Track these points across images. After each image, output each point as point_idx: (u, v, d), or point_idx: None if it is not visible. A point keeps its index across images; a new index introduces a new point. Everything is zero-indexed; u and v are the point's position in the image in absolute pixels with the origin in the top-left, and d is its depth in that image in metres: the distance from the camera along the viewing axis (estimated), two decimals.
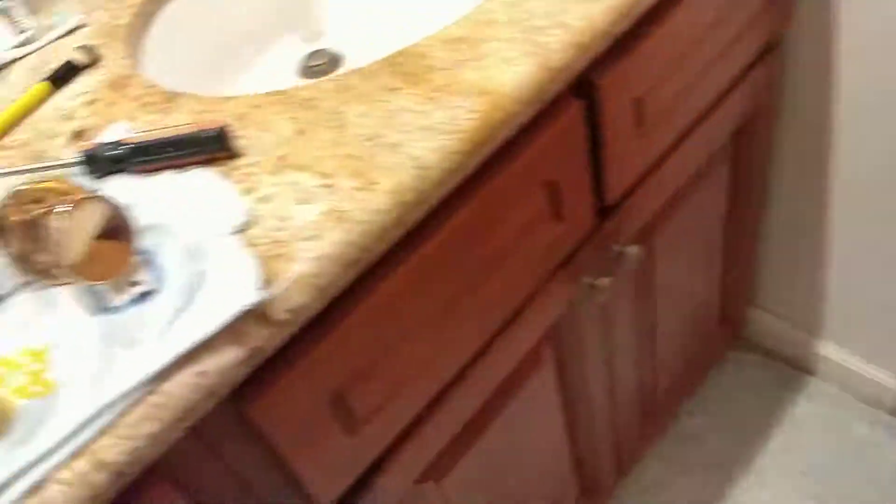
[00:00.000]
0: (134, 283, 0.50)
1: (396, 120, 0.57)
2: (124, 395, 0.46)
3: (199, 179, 0.57)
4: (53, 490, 0.43)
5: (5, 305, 0.52)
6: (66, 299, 0.51)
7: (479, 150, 0.57)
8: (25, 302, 0.52)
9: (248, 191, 0.56)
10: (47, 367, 0.48)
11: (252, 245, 0.52)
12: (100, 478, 0.44)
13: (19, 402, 0.46)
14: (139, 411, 0.46)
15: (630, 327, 0.97)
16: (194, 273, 0.50)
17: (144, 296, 0.49)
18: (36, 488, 0.43)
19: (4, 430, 0.45)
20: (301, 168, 0.56)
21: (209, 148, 0.58)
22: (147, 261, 0.51)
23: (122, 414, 0.45)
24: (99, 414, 0.45)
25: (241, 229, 0.53)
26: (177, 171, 0.58)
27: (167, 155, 0.57)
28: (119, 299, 0.50)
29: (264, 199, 0.55)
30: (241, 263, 0.50)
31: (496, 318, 0.70)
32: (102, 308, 0.50)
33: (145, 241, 0.51)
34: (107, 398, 0.45)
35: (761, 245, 1.23)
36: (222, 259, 0.51)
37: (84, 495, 0.44)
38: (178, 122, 0.61)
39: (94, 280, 0.49)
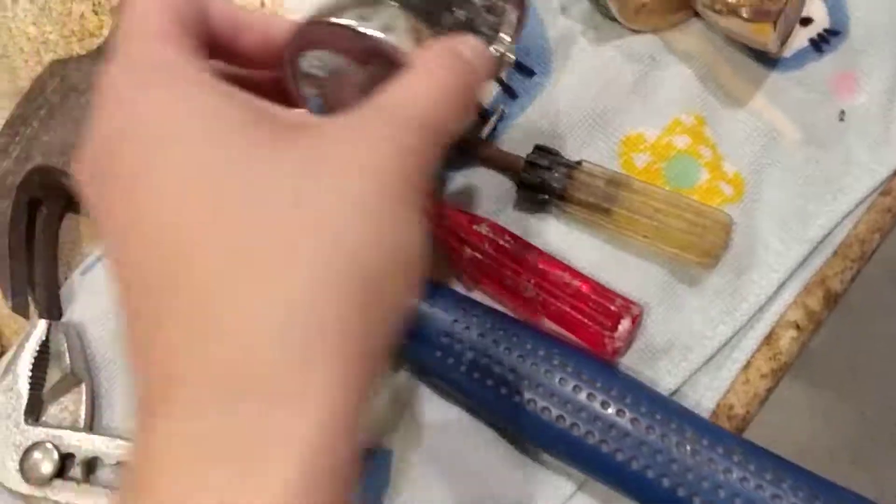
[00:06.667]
0: (804, 21, 0.31)
1: None
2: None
3: None
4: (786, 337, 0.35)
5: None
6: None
7: None
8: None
9: None
10: (719, 153, 0.34)
11: None
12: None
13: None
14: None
15: None
16: None
17: (822, 40, 0.32)
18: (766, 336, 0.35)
19: (720, 251, 0.32)
20: None
21: None
22: None
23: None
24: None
25: None
26: None
27: None
28: (784, 47, 0.31)
29: None
30: None
31: None
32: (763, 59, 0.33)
33: None
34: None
35: None
36: None
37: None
38: None
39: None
